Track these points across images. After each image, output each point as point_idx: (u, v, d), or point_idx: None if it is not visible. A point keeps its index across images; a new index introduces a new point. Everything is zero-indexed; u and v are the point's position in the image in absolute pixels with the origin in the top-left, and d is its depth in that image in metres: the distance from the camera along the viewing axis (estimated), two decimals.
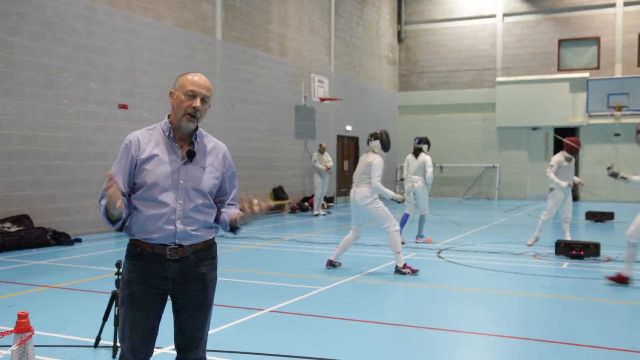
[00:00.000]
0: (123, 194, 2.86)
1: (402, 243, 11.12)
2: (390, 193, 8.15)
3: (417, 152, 11.37)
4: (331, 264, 8.51)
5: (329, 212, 17.71)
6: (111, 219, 2.80)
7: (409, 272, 8.04)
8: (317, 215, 17.05)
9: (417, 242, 11.21)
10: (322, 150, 17.39)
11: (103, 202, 2.75)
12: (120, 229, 2.92)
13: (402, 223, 11.31)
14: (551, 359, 4.73)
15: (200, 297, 2.96)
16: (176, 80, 2.97)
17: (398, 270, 8.10)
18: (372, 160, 8.17)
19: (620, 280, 7.53)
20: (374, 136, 8.41)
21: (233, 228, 3.02)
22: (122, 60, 12.53)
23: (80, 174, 11.68)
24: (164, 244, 2.87)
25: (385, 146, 8.38)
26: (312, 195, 19.19)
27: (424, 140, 11.50)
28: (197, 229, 2.91)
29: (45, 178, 11.02)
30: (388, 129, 25.28)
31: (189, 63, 13.99)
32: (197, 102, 2.87)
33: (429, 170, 11.11)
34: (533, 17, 24.34)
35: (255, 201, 2.82)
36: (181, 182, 2.88)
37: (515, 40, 24.57)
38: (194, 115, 2.87)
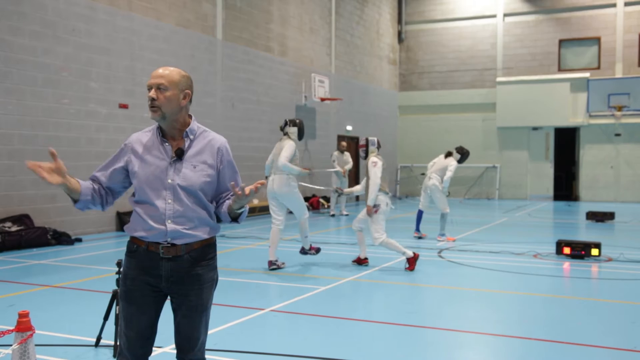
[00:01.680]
0: (96, 180, 3.00)
1: (422, 237, 11.38)
2: (296, 168, 8.51)
3: (448, 154, 11.61)
4: (273, 265, 8.34)
5: (338, 214, 17.18)
6: (72, 198, 2.91)
7: (313, 253, 8.87)
8: (333, 215, 16.84)
9: (438, 240, 11.29)
10: (342, 150, 16.90)
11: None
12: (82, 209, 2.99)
13: (418, 219, 11.58)
14: (552, 358, 4.72)
15: (194, 298, 2.91)
16: None
17: (305, 252, 8.87)
18: (284, 144, 8.54)
19: (359, 261, 8.69)
20: (292, 122, 8.79)
21: (234, 217, 2.98)
22: (123, 59, 12.53)
23: (80, 173, 11.57)
24: (158, 242, 2.88)
25: (301, 134, 8.82)
26: (313, 195, 19.22)
27: (458, 150, 11.73)
28: (190, 228, 2.89)
29: None
30: (389, 129, 25.37)
31: (190, 63, 13.99)
32: (152, 93, 2.86)
33: (448, 174, 11.41)
34: (533, 17, 24.33)
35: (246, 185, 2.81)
36: (169, 181, 2.88)
37: (516, 40, 24.56)
38: (151, 105, 2.87)
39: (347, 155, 16.91)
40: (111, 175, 2.99)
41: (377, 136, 9.48)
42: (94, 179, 3.01)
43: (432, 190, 11.54)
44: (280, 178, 8.45)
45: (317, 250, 8.94)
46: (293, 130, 8.74)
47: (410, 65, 26.42)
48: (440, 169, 11.56)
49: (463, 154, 11.65)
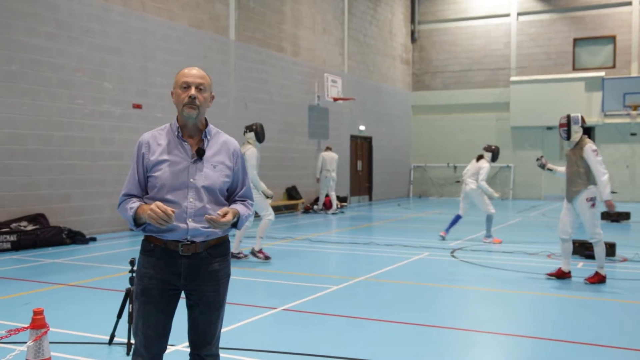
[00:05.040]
0: (134, 196, 2.95)
1: (444, 239, 11.30)
2: (263, 186, 8.71)
3: (479, 158, 11.49)
4: (235, 257, 8.89)
5: (326, 213, 17.53)
6: (138, 223, 2.88)
7: (261, 258, 8.81)
8: (331, 213, 17.13)
9: (484, 242, 11.20)
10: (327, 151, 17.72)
11: (139, 213, 2.83)
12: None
13: (452, 222, 11.51)
14: (564, 358, 4.70)
15: (212, 294, 2.97)
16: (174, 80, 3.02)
17: (253, 253, 8.90)
18: (245, 151, 8.60)
19: (562, 275, 7.75)
20: (249, 128, 8.88)
21: (232, 224, 2.99)
22: (136, 60, 12.61)
23: (95, 173, 11.77)
24: (177, 240, 2.90)
25: (260, 138, 8.83)
26: (326, 195, 19.29)
27: (487, 148, 11.59)
28: (209, 226, 2.93)
29: (60, 177, 11.12)
30: (402, 129, 25.33)
31: (203, 63, 14.05)
32: (192, 91, 2.91)
33: (480, 176, 11.22)
34: (548, 16, 24.18)
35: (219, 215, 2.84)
36: (191, 180, 2.91)
37: (530, 40, 24.41)
38: (192, 103, 2.91)
39: (331, 156, 17.69)
40: (141, 185, 2.97)
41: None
42: (134, 196, 2.96)
43: (472, 196, 11.36)
44: None
45: (267, 258, 8.86)
46: (250, 136, 8.80)
47: (423, 65, 26.35)
48: (474, 173, 11.39)
49: (493, 152, 11.51)
